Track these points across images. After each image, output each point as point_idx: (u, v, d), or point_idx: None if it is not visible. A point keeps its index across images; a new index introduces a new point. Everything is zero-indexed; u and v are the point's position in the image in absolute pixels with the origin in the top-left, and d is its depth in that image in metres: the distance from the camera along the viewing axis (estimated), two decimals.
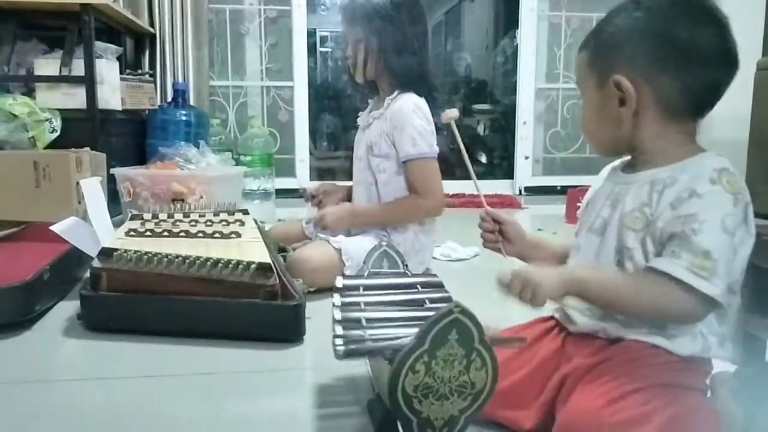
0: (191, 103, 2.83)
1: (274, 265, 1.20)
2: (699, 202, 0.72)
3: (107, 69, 2.25)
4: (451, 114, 0.95)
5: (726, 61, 0.77)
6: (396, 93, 1.53)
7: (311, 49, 3.94)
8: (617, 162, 0.90)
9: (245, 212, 1.59)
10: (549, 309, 0.91)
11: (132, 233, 1.36)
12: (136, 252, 1.20)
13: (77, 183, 1.69)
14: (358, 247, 1.45)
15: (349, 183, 1.71)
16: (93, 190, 1.54)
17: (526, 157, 3.42)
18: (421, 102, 1.53)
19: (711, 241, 0.71)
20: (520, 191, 3.39)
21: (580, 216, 0.92)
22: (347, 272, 1.42)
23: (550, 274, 0.76)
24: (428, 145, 1.50)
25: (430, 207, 1.54)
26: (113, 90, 2.28)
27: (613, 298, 0.75)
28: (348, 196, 1.68)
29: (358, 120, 1.66)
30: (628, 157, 0.87)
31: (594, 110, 0.83)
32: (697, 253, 0.71)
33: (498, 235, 0.97)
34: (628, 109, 0.78)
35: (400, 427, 0.69)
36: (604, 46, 0.81)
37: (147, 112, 2.69)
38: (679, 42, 0.76)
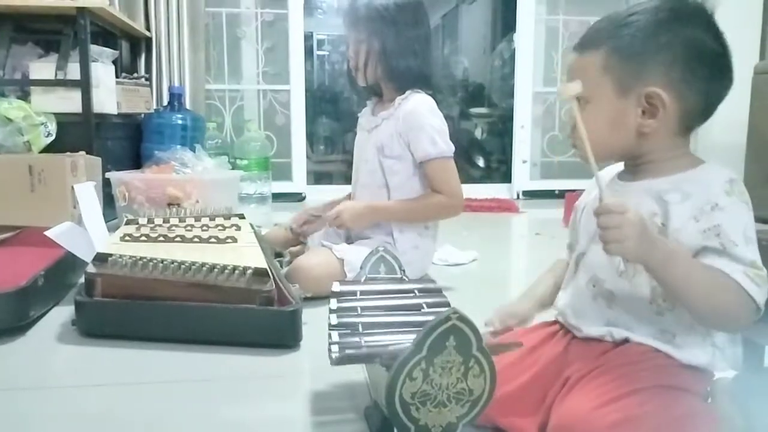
0: (187, 106, 2.82)
1: (271, 271, 1.20)
2: (722, 214, 0.72)
3: (103, 73, 2.24)
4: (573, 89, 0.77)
5: (731, 78, 0.78)
6: (407, 93, 1.52)
7: (308, 53, 3.93)
8: (609, 172, 0.88)
9: (241, 217, 1.58)
10: (552, 314, 0.91)
11: (127, 238, 1.35)
12: (131, 257, 1.19)
13: (72, 187, 1.68)
14: (360, 257, 1.44)
15: (345, 189, 1.70)
16: (87, 194, 1.53)
17: (524, 161, 3.42)
18: (432, 101, 1.52)
19: (751, 253, 0.71)
20: (518, 195, 3.38)
21: (575, 224, 0.91)
22: None
23: (649, 231, 0.69)
24: (446, 143, 1.49)
25: (452, 206, 1.52)
26: (109, 94, 2.27)
27: (687, 280, 0.70)
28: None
29: (361, 121, 1.64)
30: (621, 165, 0.86)
31: (606, 119, 0.78)
32: (746, 263, 0.71)
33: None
34: (655, 122, 0.76)
35: None
36: (631, 53, 0.76)
37: (143, 115, 2.69)
38: (709, 54, 0.76)
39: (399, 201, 1.53)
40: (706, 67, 0.75)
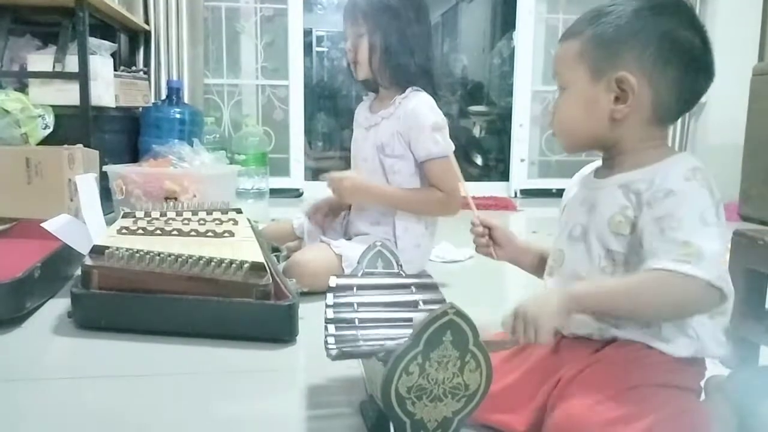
0: (185, 100, 2.81)
1: (268, 265, 1.20)
2: (674, 199, 0.72)
3: (101, 65, 2.23)
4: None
5: (711, 73, 0.79)
6: (407, 91, 1.51)
7: (307, 49, 3.92)
8: (588, 169, 0.89)
9: (239, 211, 1.58)
10: None
11: (124, 231, 1.35)
12: (128, 250, 1.19)
13: (69, 180, 1.68)
14: (358, 253, 1.43)
15: None
16: (88, 186, 1.53)
17: (522, 160, 3.42)
18: (432, 100, 1.51)
19: (689, 234, 0.70)
20: (516, 194, 3.39)
21: (558, 223, 0.92)
22: None
23: (546, 303, 0.73)
24: (447, 142, 1.48)
25: (451, 205, 1.51)
26: (107, 86, 2.26)
27: (616, 303, 0.74)
28: (348, 206, 1.65)
29: (358, 118, 1.63)
30: (599, 163, 0.87)
31: (580, 105, 0.81)
32: (678, 245, 0.70)
33: (489, 240, 0.97)
34: (626, 108, 0.77)
35: (392, 429, 0.68)
36: (605, 40, 0.78)
37: (141, 109, 2.68)
38: (684, 46, 0.76)
39: (401, 189, 1.52)
40: (680, 58, 0.76)
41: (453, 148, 1.50)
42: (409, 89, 1.51)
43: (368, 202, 1.55)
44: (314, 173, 3.64)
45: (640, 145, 0.79)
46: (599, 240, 0.79)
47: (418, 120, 1.47)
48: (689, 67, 0.77)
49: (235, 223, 1.49)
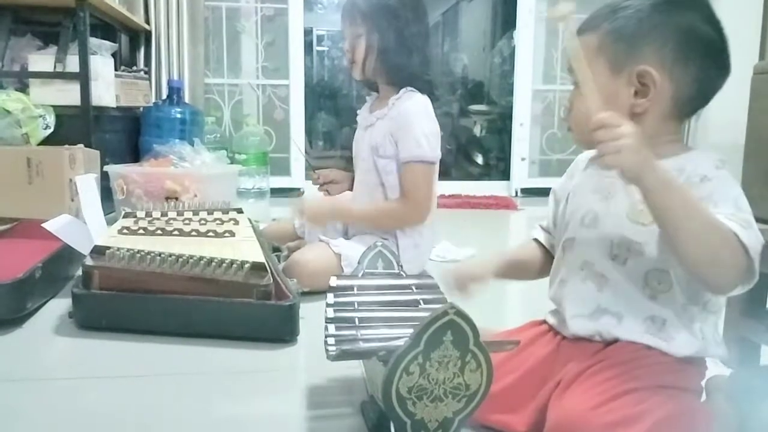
0: (186, 100, 2.81)
1: (268, 265, 1.20)
2: (710, 184, 0.73)
3: (102, 65, 2.23)
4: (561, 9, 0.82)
5: (727, 67, 0.78)
6: (401, 92, 1.50)
7: (307, 48, 3.93)
8: (584, 156, 0.89)
9: (239, 211, 1.58)
10: (542, 313, 0.91)
11: (125, 231, 1.35)
12: (128, 250, 1.19)
13: (70, 180, 1.68)
14: (358, 252, 1.43)
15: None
16: (89, 186, 1.53)
17: (523, 159, 3.42)
18: (427, 102, 1.50)
19: (730, 209, 0.71)
20: (516, 192, 3.39)
21: (556, 209, 0.91)
22: None
23: (640, 149, 0.68)
24: (432, 149, 1.47)
25: (411, 215, 1.50)
26: (107, 86, 2.26)
27: (685, 209, 0.68)
28: (352, 185, 1.65)
29: (359, 118, 1.63)
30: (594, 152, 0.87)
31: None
32: (726, 213, 0.69)
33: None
34: (647, 102, 0.77)
35: (393, 429, 0.68)
36: (624, 34, 0.78)
37: (141, 109, 2.68)
38: (704, 40, 0.76)
39: (360, 208, 1.54)
40: (699, 52, 0.76)
41: (439, 157, 1.49)
42: (403, 90, 1.50)
43: (334, 221, 1.56)
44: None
45: (657, 139, 0.79)
46: (614, 227, 0.79)
47: (406, 121, 1.46)
48: (708, 60, 0.77)
49: (236, 222, 1.49)
